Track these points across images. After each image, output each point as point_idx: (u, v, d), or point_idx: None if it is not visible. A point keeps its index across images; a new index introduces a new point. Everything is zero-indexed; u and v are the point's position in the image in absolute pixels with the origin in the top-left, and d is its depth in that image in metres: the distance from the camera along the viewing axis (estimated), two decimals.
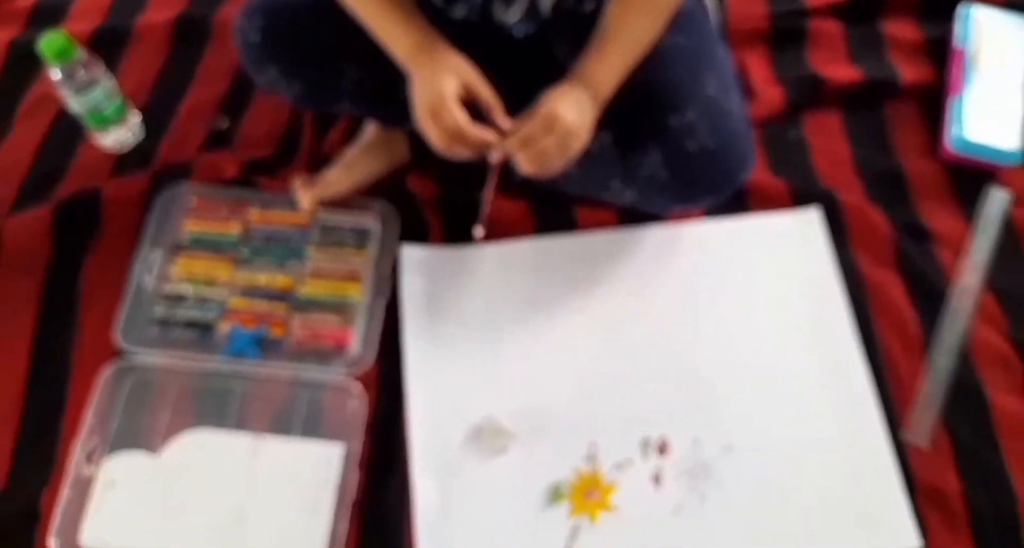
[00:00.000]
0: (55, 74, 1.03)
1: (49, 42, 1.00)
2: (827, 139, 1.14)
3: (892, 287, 1.00)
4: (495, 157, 0.84)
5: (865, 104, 1.17)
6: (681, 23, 0.93)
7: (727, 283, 1.02)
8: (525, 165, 0.83)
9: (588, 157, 0.90)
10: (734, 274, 1.03)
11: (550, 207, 1.05)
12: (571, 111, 0.82)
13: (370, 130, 1.09)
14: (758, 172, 1.07)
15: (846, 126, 1.15)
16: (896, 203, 1.07)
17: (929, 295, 1.00)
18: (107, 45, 1.22)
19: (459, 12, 0.91)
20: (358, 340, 0.99)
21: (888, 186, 1.09)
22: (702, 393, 0.95)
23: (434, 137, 0.83)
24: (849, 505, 0.88)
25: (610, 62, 0.86)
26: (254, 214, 1.07)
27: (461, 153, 0.84)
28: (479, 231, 0.92)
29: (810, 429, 0.92)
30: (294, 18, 0.92)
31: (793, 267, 1.03)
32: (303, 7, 0.92)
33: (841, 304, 0.99)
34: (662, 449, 0.91)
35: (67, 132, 1.15)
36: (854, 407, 0.93)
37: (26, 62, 1.18)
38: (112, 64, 1.20)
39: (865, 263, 1.02)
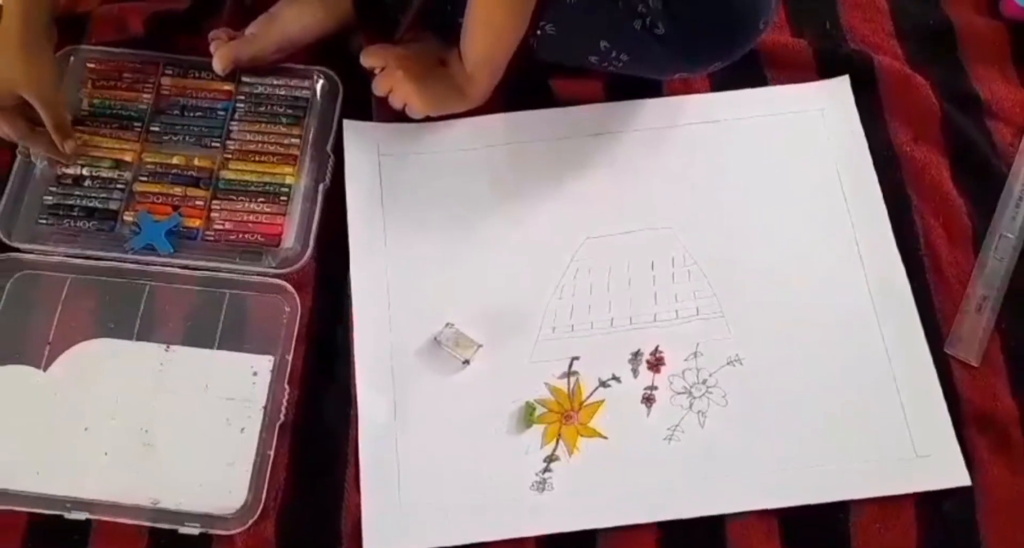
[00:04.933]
0: None
1: None
2: None
3: (937, 168, 0.85)
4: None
5: None
6: None
7: (737, 164, 0.86)
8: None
9: (564, 9, 0.77)
10: (746, 154, 0.87)
11: (520, 79, 0.87)
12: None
13: None
14: (776, 31, 0.91)
15: None
16: (944, 67, 0.91)
17: (982, 178, 0.85)
18: None
19: None
20: (291, 233, 0.83)
21: (935, 46, 0.93)
22: (704, 294, 0.80)
23: None
24: (881, 433, 0.74)
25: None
26: (166, 81, 0.90)
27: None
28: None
29: (835, 339, 0.78)
30: None
31: (817, 144, 0.87)
32: None
33: (875, 188, 0.84)
34: (655, 364, 0.77)
35: None
36: (888, 313, 0.79)
37: None
38: None
39: (904, 139, 0.87)
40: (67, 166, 0.84)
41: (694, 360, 0.77)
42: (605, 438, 0.75)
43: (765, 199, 0.84)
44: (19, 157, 0.84)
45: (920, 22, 0.94)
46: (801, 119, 0.88)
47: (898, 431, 0.74)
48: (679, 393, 0.76)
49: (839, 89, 0.89)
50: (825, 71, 0.90)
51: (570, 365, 0.77)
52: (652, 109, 0.89)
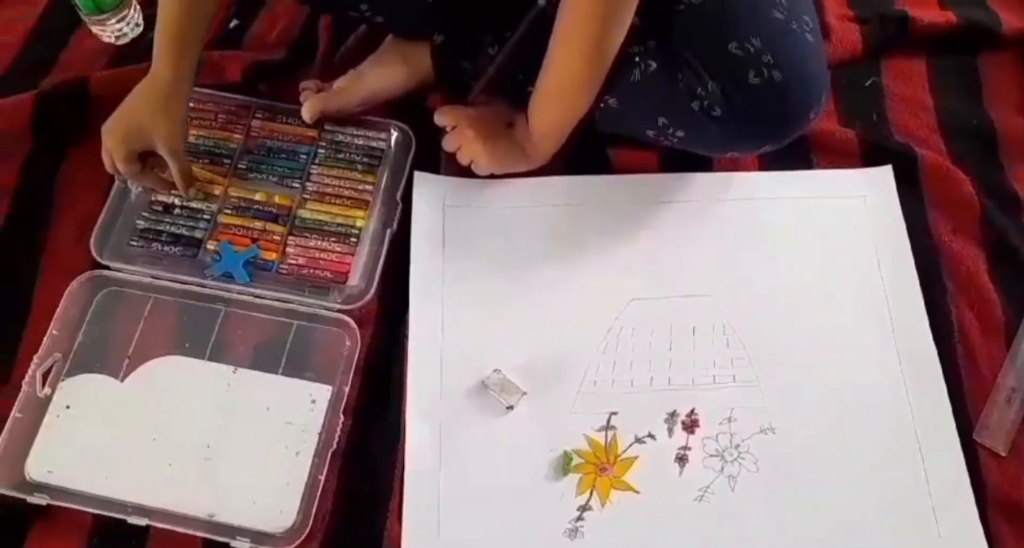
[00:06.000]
0: None
1: None
2: (908, 86, 1.01)
3: (974, 260, 0.88)
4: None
5: (955, 50, 1.03)
6: None
7: (781, 241, 0.90)
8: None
9: (628, 87, 0.81)
10: (789, 232, 0.91)
11: (580, 145, 0.92)
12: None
13: (389, 39, 0.97)
14: (825, 119, 0.95)
15: (931, 73, 1.02)
16: (984, 164, 0.94)
17: (1017, 274, 0.87)
18: None
19: None
20: (357, 272, 0.88)
21: (976, 144, 0.96)
22: (742, 364, 0.83)
23: (105, 137, 0.84)
24: (907, 510, 0.76)
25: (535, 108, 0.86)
26: (256, 123, 0.96)
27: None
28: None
29: (865, 418, 0.80)
30: None
31: (859, 230, 0.90)
32: None
33: (912, 276, 0.87)
34: (690, 425, 0.80)
35: (63, 19, 1.04)
36: (920, 397, 0.81)
37: None
38: None
39: (944, 230, 0.90)
40: (161, 195, 0.91)
41: (728, 425, 0.80)
42: (637, 493, 0.77)
43: (805, 277, 0.88)
44: (117, 183, 0.91)
45: (964, 120, 0.97)
46: (844, 203, 0.92)
47: (923, 513, 0.76)
48: (711, 456, 0.79)
49: (882, 177, 0.93)
50: (869, 160, 0.94)
51: (608, 419, 0.81)
52: (702, 183, 0.93)
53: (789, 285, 0.87)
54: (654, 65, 0.80)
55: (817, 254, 0.89)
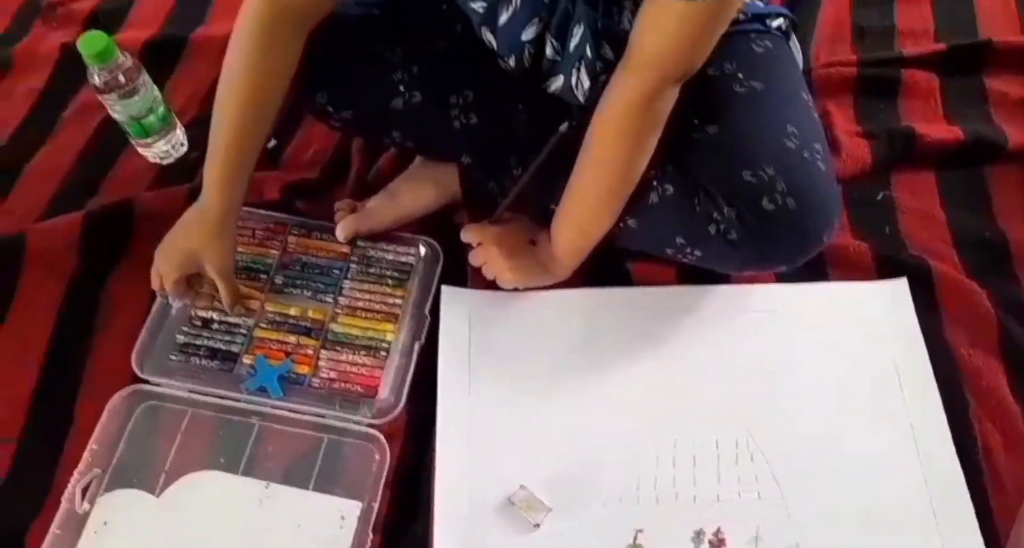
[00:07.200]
0: (96, 78, 0.98)
1: (88, 42, 0.96)
2: (919, 199, 1.04)
3: (994, 374, 0.89)
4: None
5: (963, 163, 1.06)
6: (761, 67, 0.86)
7: (801, 353, 0.92)
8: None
9: (646, 209, 0.85)
10: (807, 345, 0.93)
11: (601, 259, 0.95)
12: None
13: (419, 160, 1.02)
14: (840, 234, 0.97)
15: (941, 186, 1.06)
16: (998, 277, 0.96)
17: None
18: (161, 55, 1.19)
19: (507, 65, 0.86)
20: (387, 386, 0.91)
21: (989, 257, 0.98)
22: (766, 479, 0.84)
23: (157, 261, 0.89)
24: None
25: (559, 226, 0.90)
26: (292, 239, 1.01)
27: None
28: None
29: (892, 536, 0.80)
30: (342, 46, 0.86)
31: (877, 344, 0.92)
32: (350, 28, 0.87)
33: (933, 388, 0.88)
34: (717, 545, 0.80)
35: (111, 140, 1.11)
36: (944, 512, 0.81)
37: (77, 66, 1.14)
38: (164, 74, 1.17)
39: (961, 344, 0.91)
40: (200, 310, 0.95)
41: (755, 544, 0.80)
42: None
43: (825, 391, 0.89)
44: (159, 299, 0.95)
45: (975, 233, 1.00)
46: (861, 316, 0.94)
47: None
48: None
49: (898, 290, 0.95)
50: (884, 273, 0.96)
51: (635, 538, 0.81)
52: (720, 295, 0.96)
53: (810, 399, 0.89)
54: (671, 189, 0.84)
55: (836, 367, 0.91)
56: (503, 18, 0.79)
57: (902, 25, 1.22)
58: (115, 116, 1.04)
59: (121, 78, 0.98)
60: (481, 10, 0.79)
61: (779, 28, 0.90)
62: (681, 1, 0.66)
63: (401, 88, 0.87)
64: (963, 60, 1.16)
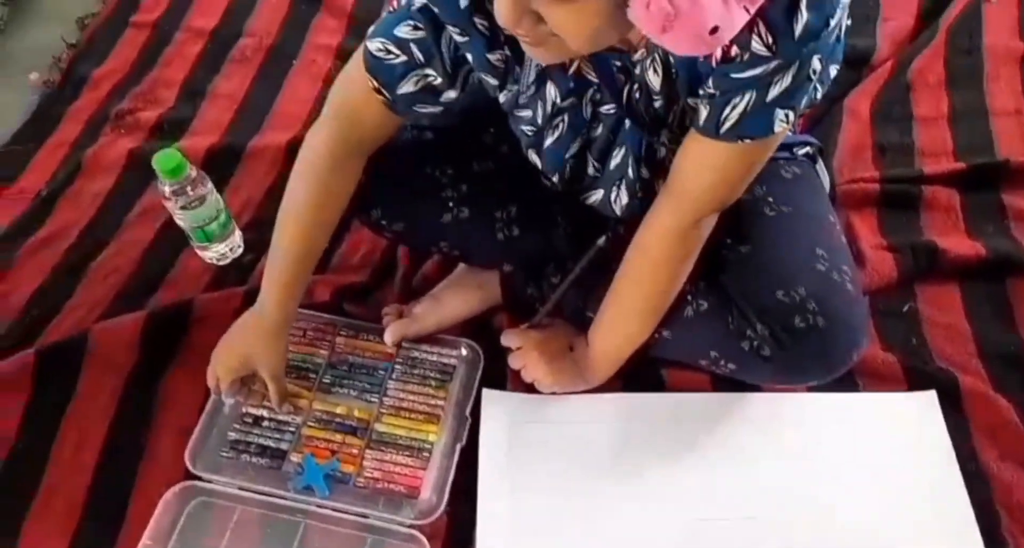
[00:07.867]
0: (165, 189, 1.05)
1: (163, 159, 1.03)
2: (944, 312, 1.07)
3: None
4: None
5: (985, 278, 1.10)
6: (790, 192, 0.91)
7: (833, 463, 0.94)
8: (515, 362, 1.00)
9: (681, 322, 0.89)
10: (841, 455, 0.95)
11: (637, 364, 0.98)
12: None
13: (462, 267, 1.08)
14: (868, 346, 0.99)
15: (965, 299, 1.09)
16: None
17: None
18: (220, 161, 1.27)
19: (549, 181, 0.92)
20: (429, 486, 0.93)
21: (1015, 370, 1.00)
22: None
23: (214, 363, 0.95)
24: None
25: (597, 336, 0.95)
26: (340, 340, 1.06)
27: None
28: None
29: None
30: (398, 167, 0.93)
31: (907, 456, 0.94)
32: (404, 150, 0.94)
33: (964, 503, 0.89)
34: None
35: (172, 241, 1.18)
36: None
37: (143, 171, 1.23)
38: (223, 179, 1.25)
39: (991, 456, 0.93)
40: (251, 408, 0.99)
41: None
42: None
43: (856, 500, 0.90)
44: (213, 397, 1.00)
45: (1000, 346, 1.02)
46: (891, 426, 0.96)
47: None
48: None
49: (927, 402, 0.97)
50: (913, 384, 0.99)
51: None
52: (753, 403, 0.98)
53: (841, 509, 0.90)
54: (705, 305, 0.88)
55: (867, 477, 0.93)
56: (548, 141, 0.86)
57: (922, 144, 1.27)
58: (179, 223, 1.10)
59: (189, 190, 1.06)
60: (530, 133, 0.85)
61: (806, 154, 0.97)
62: (724, 141, 0.72)
63: (450, 205, 0.94)
64: (981, 178, 1.21)
